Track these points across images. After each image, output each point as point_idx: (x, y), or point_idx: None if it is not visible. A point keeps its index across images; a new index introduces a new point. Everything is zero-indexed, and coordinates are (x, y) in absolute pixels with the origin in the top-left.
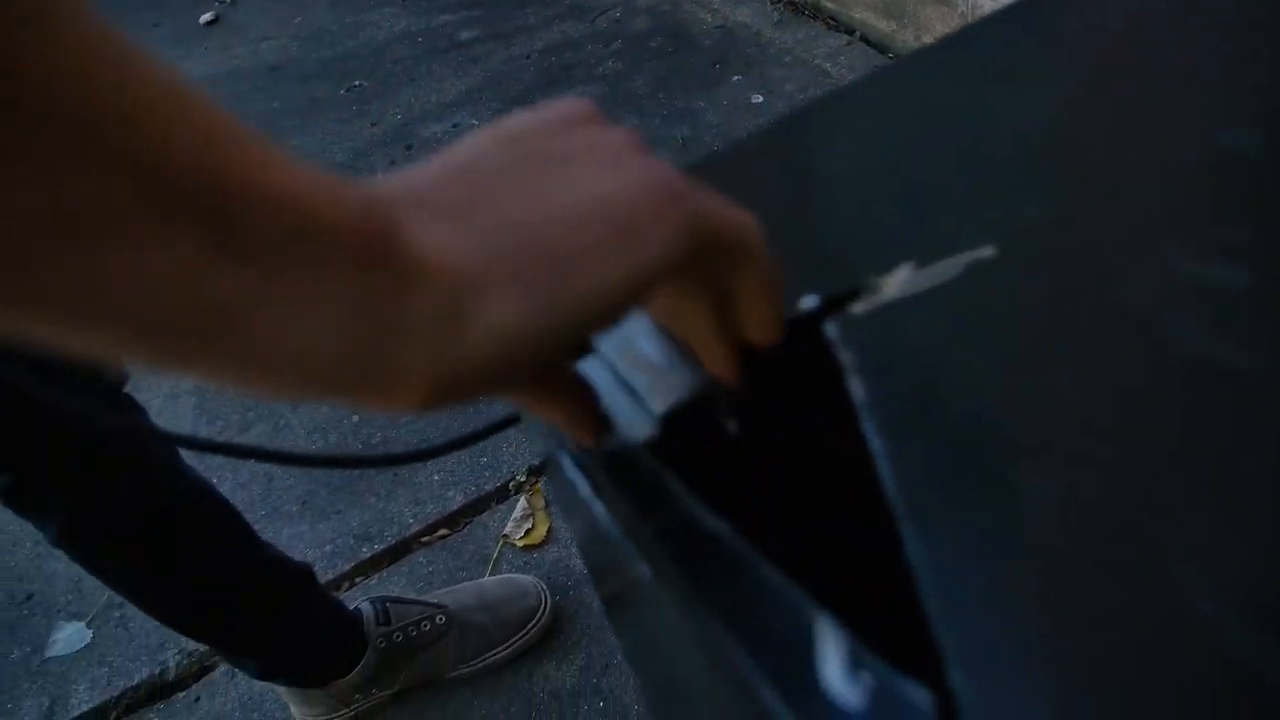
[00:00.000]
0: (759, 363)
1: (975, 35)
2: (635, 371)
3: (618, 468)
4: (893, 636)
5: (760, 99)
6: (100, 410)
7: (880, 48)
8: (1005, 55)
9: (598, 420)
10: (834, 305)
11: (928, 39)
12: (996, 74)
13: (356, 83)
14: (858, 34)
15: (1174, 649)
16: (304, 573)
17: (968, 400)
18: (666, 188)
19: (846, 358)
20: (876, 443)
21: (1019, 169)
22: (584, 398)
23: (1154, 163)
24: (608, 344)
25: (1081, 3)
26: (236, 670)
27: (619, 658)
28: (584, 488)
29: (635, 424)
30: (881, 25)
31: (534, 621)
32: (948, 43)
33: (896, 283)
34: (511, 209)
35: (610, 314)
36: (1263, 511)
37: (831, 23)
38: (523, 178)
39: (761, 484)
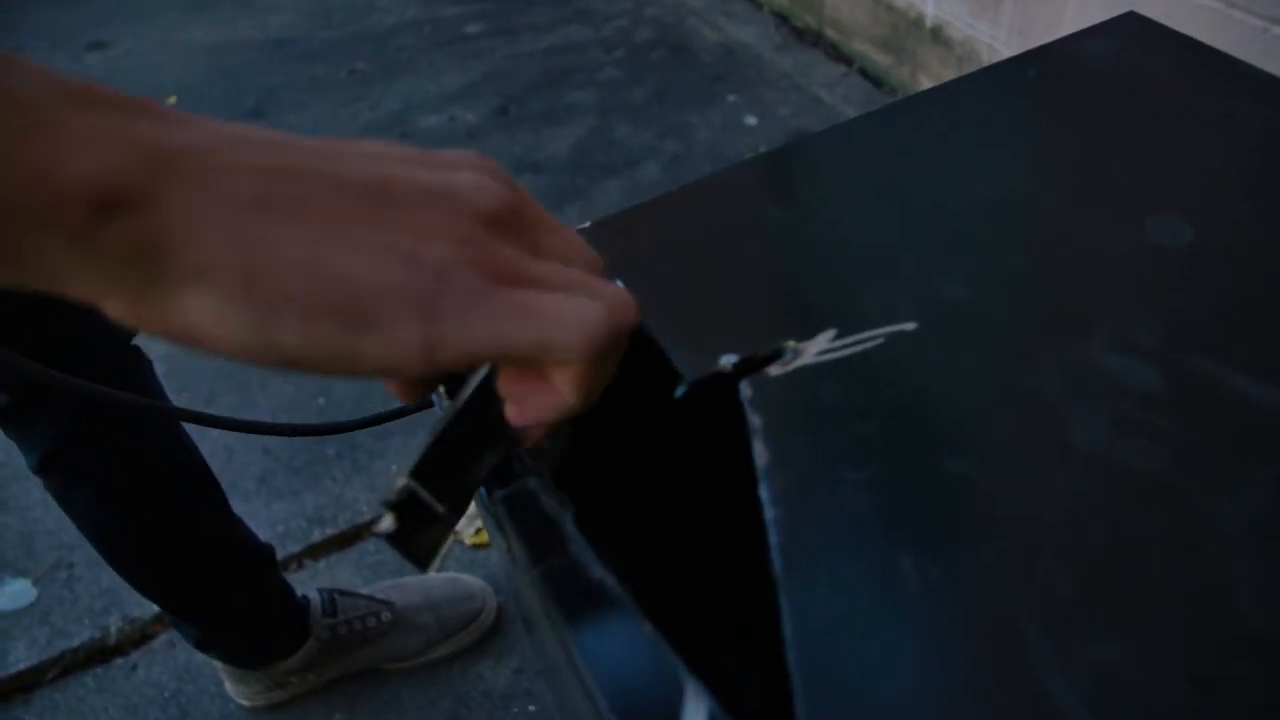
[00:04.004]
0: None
1: (951, 92)
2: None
3: (518, 504)
4: (756, 704)
5: (754, 121)
6: (105, 351)
7: (876, 81)
8: (967, 118)
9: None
10: (751, 366)
11: (923, 77)
12: (956, 139)
13: (359, 66)
14: (856, 65)
15: None
16: (266, 553)
17: (864, 477)
18: (425, 291)
19: (755, 420)
20: (769, 510)
21: (957, 240)
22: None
23: (1089, 246)
24: None
25: (1062, 66)
26: (176, 641)
27: None
28: (489, 521)
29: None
30: (880, 59)
31: (476, 623)
32: (930, 94)
33: (815, 348)
34: (288, 236)
35: (317, 372)
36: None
37: (831, 51)
38: (330, 211)
39: (653, 533)
